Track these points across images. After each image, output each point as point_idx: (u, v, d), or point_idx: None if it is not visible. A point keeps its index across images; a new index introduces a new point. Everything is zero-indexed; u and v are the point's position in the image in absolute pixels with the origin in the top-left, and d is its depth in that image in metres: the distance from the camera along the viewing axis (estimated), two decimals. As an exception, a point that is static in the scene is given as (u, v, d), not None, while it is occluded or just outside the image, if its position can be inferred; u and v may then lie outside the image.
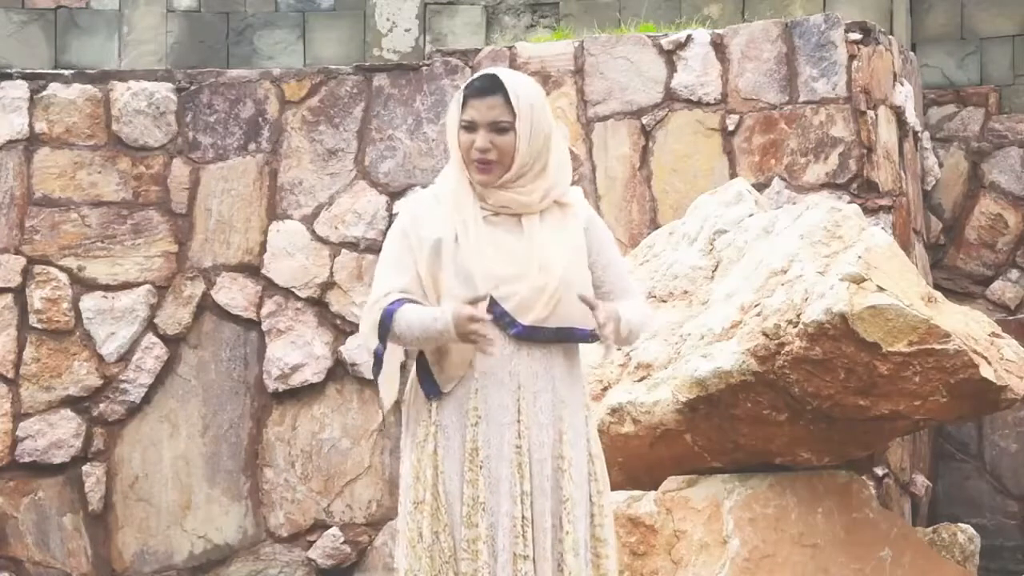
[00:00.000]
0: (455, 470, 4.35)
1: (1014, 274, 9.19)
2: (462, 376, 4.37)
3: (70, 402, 8.57)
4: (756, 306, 6.27)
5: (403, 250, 4.42)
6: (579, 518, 4.38)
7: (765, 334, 6.12)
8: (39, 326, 8.57)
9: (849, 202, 7.64)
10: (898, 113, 8.42)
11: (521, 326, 4.34)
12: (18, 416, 8.53)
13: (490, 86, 4.40)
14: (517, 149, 4.39)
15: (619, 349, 6.65)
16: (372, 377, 4.53)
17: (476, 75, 4.49)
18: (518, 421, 4.35)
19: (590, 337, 4.43)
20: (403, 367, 4.49)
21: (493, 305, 4.32)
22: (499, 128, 4.38)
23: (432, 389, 4.39)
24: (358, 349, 8.55)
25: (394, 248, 4.45)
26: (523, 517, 4.32)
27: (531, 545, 4.31)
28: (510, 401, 4.35)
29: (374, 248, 8.60)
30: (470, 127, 4.40)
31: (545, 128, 4.44)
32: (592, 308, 4.34)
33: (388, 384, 4.47)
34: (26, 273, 8.60)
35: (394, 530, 4.54)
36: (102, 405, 8.57)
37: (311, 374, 8.62)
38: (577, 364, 4.49)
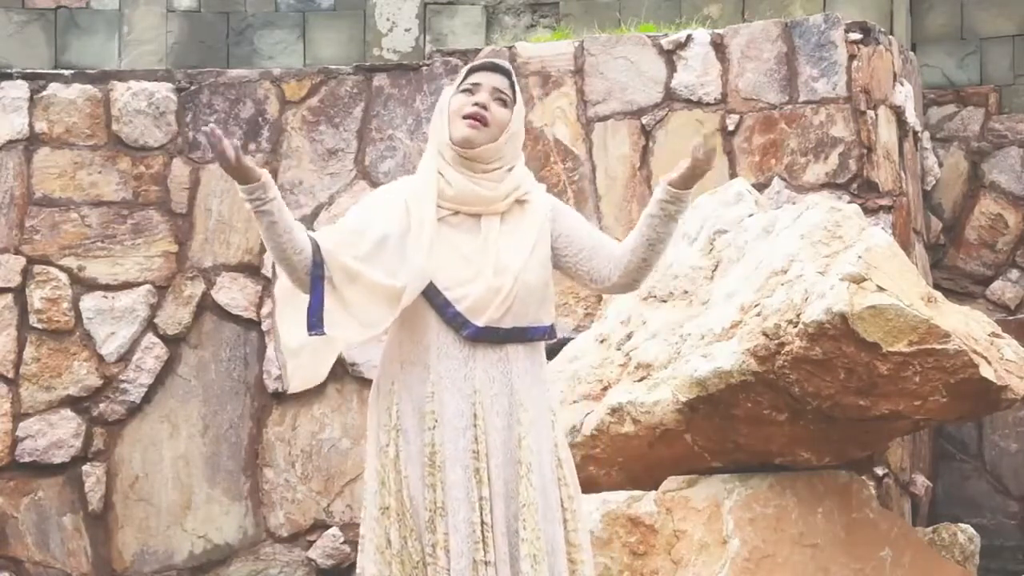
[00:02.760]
0: (417, 475, 4.33)
1: (1014, 274, 9.19)
2: (404, 366, 4.34)
3: (70, 402, 8.57)
4: (756, 306, 6.27)
5: (357, 226, 4.39)
6: (540, 524, 4.33)
7: (765, 334, 6.12)
8: (39, 326, 8.57)
9: (849, 202, 7.64)
10: (898, 113, 8.42)
11: (474, 327, 4.31)
12: (18, 416, 8.53)
13: (501, 67, 4.49)
14: (509, 127, 4.42)
15: (622, 344, 6.65)
16: (275, 321, 4.48)
17: (486, 57, 4.55)
18: (474, 426, 4.32)
19: (546, 335, 4.42)
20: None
21: (446, 307, 4.31)
22: (501, 99, 4.42)
23: (316, 324, 4.30)
24: (358, 349, 8.55)
25: (351, 221, 4.43)
26: (483, 523, 4.28)
27: (493, 551, 4.28)
28: (466, 406, 4.32)
29: (374, 248, 8.60)
30: (471, 90, 4.43)
31: (523, 134, 4.50)
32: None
33: (301, 366, 4.42)
34: (26, 273, 8.60)
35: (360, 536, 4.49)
36: (102, 405, 8.57)
37: (311, 374, 8.61)
38: (541, 369, 4.44)
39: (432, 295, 4.32)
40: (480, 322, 4.31)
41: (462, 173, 4.40)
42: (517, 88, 4.47)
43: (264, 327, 8.65)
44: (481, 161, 4.40)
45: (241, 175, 4.30)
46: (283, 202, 4.36)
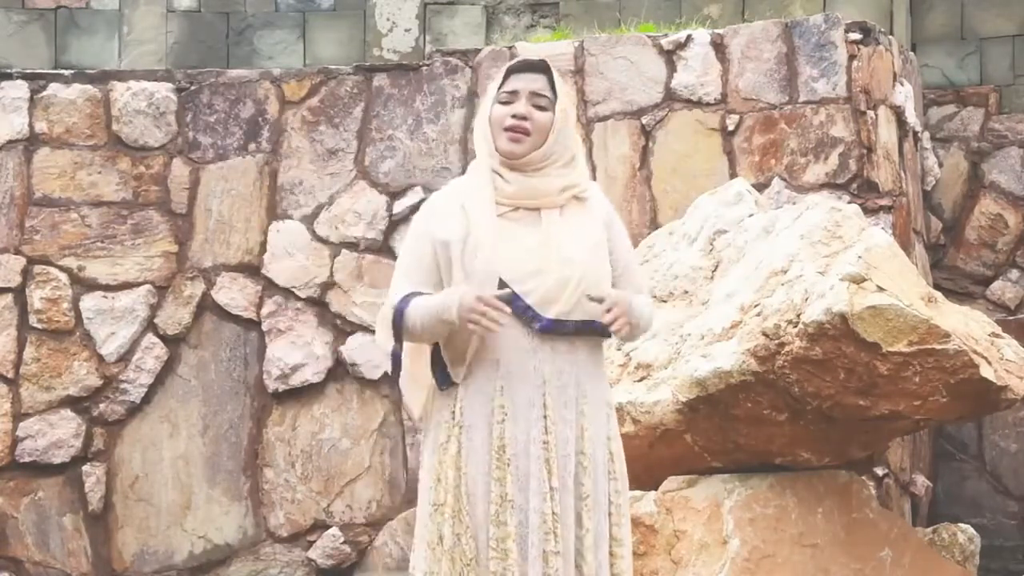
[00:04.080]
0: (480, 470, 4.32)
1: (1014, 274, 9.19)
2: (471, 365, 4.34)
3: (70, 402, 8.57)
4: (756, 306, 6.27)
5: (422, 248, 4.41)
6: (598, 515, 4.36)
7: (765, 334, 6.12)
8: (39, 326, 8.57)
9: (849, 202, 7.65)
10: (898, 113, 8.42)
11: (546, 320, 4.32)
12: (18, 416, 8.53)
13: (538, 65, 4.46)
14: (553, 129, 4.41)
15: (622, 343, 6.66)
16: (393, 379, 4.51)
17: (521, 57, 4.52)
18: (544, 417, 4.33)
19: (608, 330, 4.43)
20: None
21: (516, 299, 4.31)
22: (539, 102, 4.41)
23: (444, 378, 4.37)
24: (358, 349, 8.56)
25: (412, 247, 4.45)
26: (553, 513, 4.29)
27: (561, 541, 4.29)
28: (536, 397, 4.33)
29: (374, 248, 8.61)
30: (510, 98, 4.41)
31: (573, 123, 4.49)
32: (601, 302, 4.33)
33: (417, 391, 4.47)
34: (26, 273, 8.60)
35: (396, 533, 4.49)
36: (102, 405, 8.57)
37: (311, 374, 8.62)
38: (601, 361, 4.47)
39: (501, 289, 4.32)
40: (551, 314, 4.32)
41: (516, 172, 4.41)
42: (558, 83, 4.45)
43: (264, 327, 8.65)
44: (531, 165, 4.41)
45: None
46: None
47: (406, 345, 4.42)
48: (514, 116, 4.39)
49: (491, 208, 4.38)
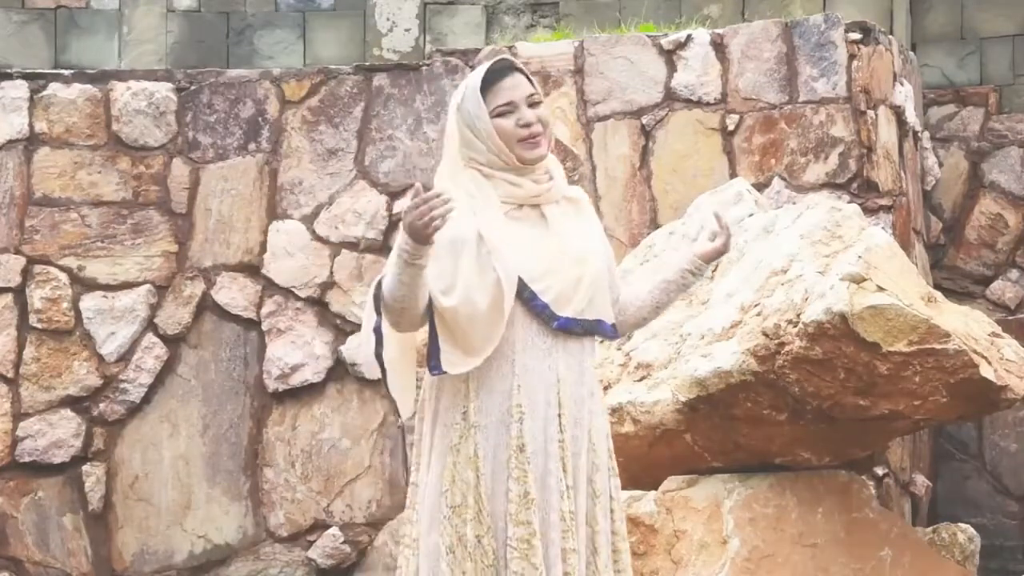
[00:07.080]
0: (499, 470, 4.29)
1: (1014, 274, 9.19)
2: (482, 364, 4.29)
3: (70, 402, 8.57)
4: (756, 306, 6.27)
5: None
6: (607, 511, 4.38)
7: (765, 334, 6.12)
8: (39, 326, 8.57)
9: (849, 202, 7.65)
10: (898, 113, 8.42)
11: (563, 318, 4.32)
12: (18, 416, 8.53)
13: (510, 66, 4.42)
14: (550, 123, 4.43)
15: (622, 344, 6.66)
16: (375, 359, 4.37)
17: (485, 65, 4.46)
18: (559, 415, 4.33)
19: (612, 331, 4.44)
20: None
21: (533, 299, 4.31)
22: (534, 102, 4.39)
23: (437, 365, 4.29)
24: (358, 348, 8.55)
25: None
26: (569, 512, 4.29)
27: (577, 539, 4.30)
28: (552, 395, 4.32)
29: (374, 248, 8.60)
30: (508, 109, 4.36)
31: None
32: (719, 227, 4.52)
33: (405, 390, 4.41)
34: (26, 273, 8.60)
35: (396, 533, 4.43)
36: (102, 405, 8.57)
37: (311, 374, 8.62)
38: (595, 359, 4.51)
39: (519, 288, 4.30)
40: (566, 312, 4.32)
41: (521, 175, 4.40)
42: (531, 76, 4.44)
43: (264, 327, 8.65)
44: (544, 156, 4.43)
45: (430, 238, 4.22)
46: None
47: (398, 337, 4.36)
48: (525, 125, 4.35)
49: (499, 208, 4.36)
